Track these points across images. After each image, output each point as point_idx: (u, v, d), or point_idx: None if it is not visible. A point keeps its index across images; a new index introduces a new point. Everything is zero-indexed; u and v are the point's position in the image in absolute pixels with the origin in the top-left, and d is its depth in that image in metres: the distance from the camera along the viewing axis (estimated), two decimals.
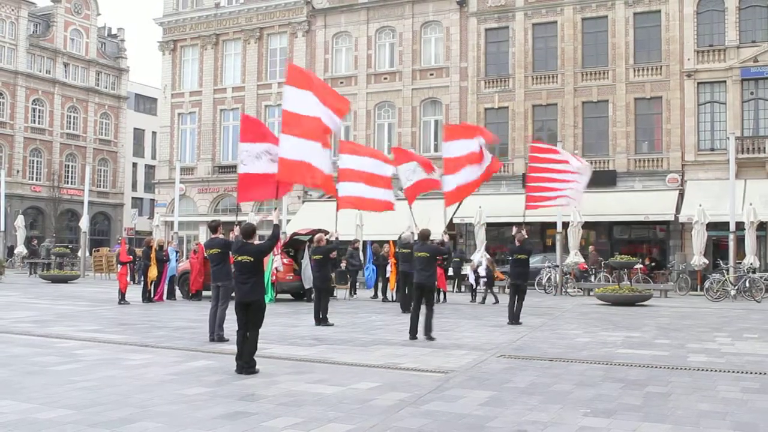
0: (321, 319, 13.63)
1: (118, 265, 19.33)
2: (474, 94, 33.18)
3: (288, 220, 30.35)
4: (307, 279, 18.25)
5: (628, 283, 21.80)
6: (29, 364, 8.81)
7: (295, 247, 20.78)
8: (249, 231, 8.84)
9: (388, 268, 20.68)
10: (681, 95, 29.96)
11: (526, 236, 15.32)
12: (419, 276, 11.95)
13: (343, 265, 22.49)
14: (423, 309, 11.79)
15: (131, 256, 20.39)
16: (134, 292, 19.64)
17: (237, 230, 10.14)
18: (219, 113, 38.79)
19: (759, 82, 28.95)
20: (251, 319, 8.52)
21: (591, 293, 21.96)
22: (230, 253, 9.93)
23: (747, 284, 21.38)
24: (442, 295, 20.08)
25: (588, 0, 31.58)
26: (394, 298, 19.80)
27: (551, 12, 32.24)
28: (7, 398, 6.83)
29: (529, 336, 12.27)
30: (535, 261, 25.37)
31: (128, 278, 19.12)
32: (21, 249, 35.10)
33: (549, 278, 24.55)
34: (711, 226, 25.12)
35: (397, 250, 19.00)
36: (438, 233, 14.16)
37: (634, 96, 30.73)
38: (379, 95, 35.15)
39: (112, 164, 55.04)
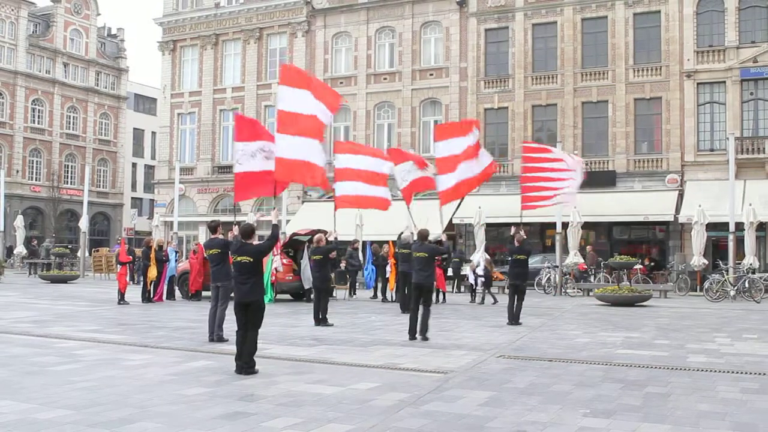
0: (320, 320, 13.63)
1: (118, 266, 19.32)
2: (474, 95, 33.18)
3: (287, 221, 30.35)
4: (307, 279, 18.26)
5: (628, 283, 21.79)
6: (29, 364, 8.81)
7: (294, 247, 20.78)
8: (248, 231, 8.84)
9: (388, 268, 20.67)
10: (681, 96, 29.97)
11: (525, 236, 15.32)
12: (418, 276, 11.96)
13: (342, 265, 22.50)
14: (421, 309, 11.80)
15: (131, 257, 20.38)
16: (134, 293, 19.64)
17: (236, 230, 10.14)
18: (218, 113, 38.79)
19: (758, 82, 28.96)
20: (250, 320, 8.52)
21: (590, 294, 21.96)
22: (229, 253, 9.92)
23: (746, 285, 21.38)
24: (441, 296, 20.08)
25: (588, 0, 31.59)
26: (394, 299, 19.79)
27: (551, 12, 32.25)
28: (6, 398, 6.83)
29: (529, 336, 12.27)
30: (534, 261, 25.38)
31: (127, 278, 19.11)
32: (20, 249, 35.10)
33: (548, 278, 24.55)
34: (710, 226, 25.13)
35: (396, 250, 19.00)
36: (436, 233, 14.15)
37: (634, 96, 30.74)
38: (378, 95, 35.15)
39: (112, 164, 55.03)
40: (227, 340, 10.72)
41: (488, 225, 26.69)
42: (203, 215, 37.36)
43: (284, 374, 8.35)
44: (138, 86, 61.11)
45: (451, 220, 30.35)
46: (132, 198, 58.42)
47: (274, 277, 19.00)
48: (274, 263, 18.67)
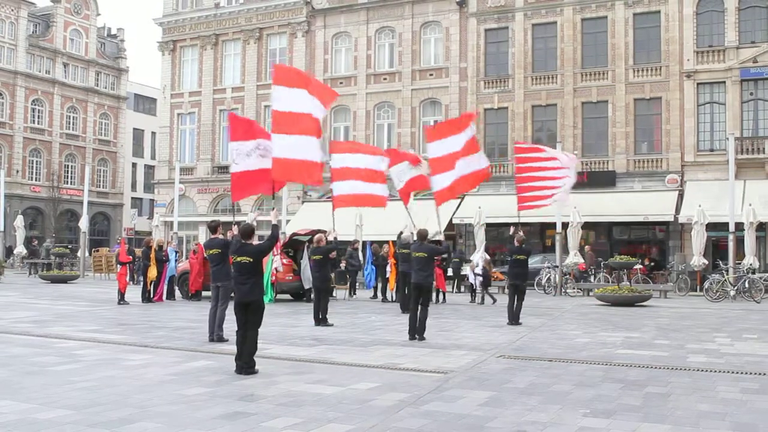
0: (320, 320, 13.63)
1: (118, 266, 19.32)
2: (473, 95, 33.19)
3: (287, 221, 30.35)
4: (307, 279, 18.27)
5: (628, 283, 21.80)
6: (29, 364, 8.81)
7: (294, 247, 20.78)
8: (248, 231, 8.84)
9: (388, 268, 20.68)
10: (680, 96, 29.97)
11: (524, 236, 15.33)
12: (417, 276, 11.97)
13: (342, 265, 22.50)
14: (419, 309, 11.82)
15: (131, 257, 20.38)
16: (134, 293, 19.64)
17: (235, 230, 10.14)
18: (218, 113, 38.78)
19: (758, 82, 28.96)
20: (250, 320, 8.52)
21: (590, 294, 21.97)
22: (229, 253, 9.91)
23: (746, 285, 21.38)
24: (441, 296, 20.10)
25: (588, 0, 31.59)
26: (394, 299, 19.80)
27: (551, 12, 32.25)
28: (6, 398, 6.83)
29: (529, 336, 12.27)
30: (534, 261, 25.39)
31: (127, 278, 19.11)
32: (20, 249, 35.10)
33: (548, 279, 24.55)
34: (710, 226, 25.14)
35: (396, 250, 19.00)
36: (434, 231, 14.07)
37: (634, 96, 30.74)
38: (378, 95, 35.15)
39: (112, 164, 55.03)
40: (227, 340, 10.72)
41: (488, 225, 26.70)
42: (203, 215, 37.36)
43: (284, 374, 8.35)
44: (138, 86, 61.11)
45: (451, 220, 30.36)
46: (132, 198, 58.42)
47: (274, 277, 19.01)
48: (274, 263, 18.69)
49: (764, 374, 8.66)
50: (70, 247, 37.09)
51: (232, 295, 8.98)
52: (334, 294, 19.64)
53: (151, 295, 18.95)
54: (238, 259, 8.60)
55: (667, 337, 12.20)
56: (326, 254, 14.18)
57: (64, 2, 51.61)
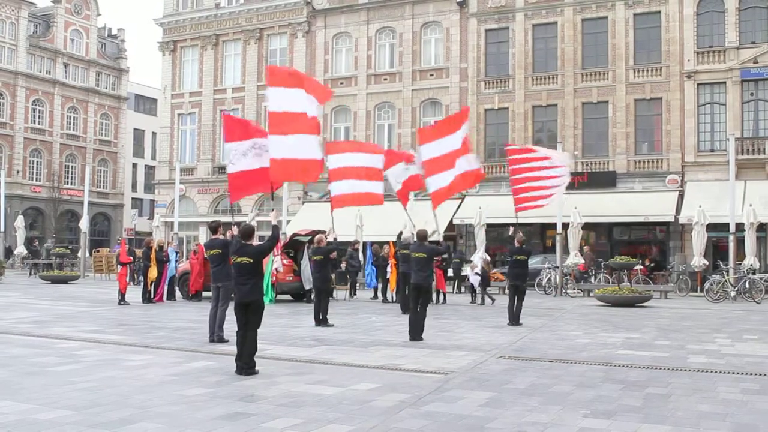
0: (321, 320, 13.63)
1: (118, 266, 19.32)
2: (474, 95, 33.18)
3: (288, 221, 30.36)
4: (307, 280, 18.27)
5: (628, 284, 21.80)
6: (29, 364, 8.81)
7: (294, 247, 20.79)
8: (248, 232, 8.85)
9: (388, 269, 20.67)
10: (681, 96, 29.97)
11: (524, 237, 15.33)
12: (416, 277, 11.99)
13: (343, 266, 22.49)
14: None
15: (131, 257, 20.38)
16: (134, 293, 19.65)
17: (235, 230, 10.14)
18: (219, 114, 38.75)
19: (759, 83, 28.96)
20: (250, 320, 8.52)
21: (591, 294, 21.97)
22: (229, 254, 9.91)
23: (747, 285, 21.37)
24: (441, 296, 20.10)
25: (588, 1, 31.59)
26: (394, 299, 19.79)
27: (551, 13, 32.25)
28: (6, 399, 6.83)
29: (529, 337, 12.27)
30: (535, 262, 25.40)
31: (127, 279, 19.11)
32: (21, 250, 35.10)
33: (549, 279, 24.55)
34: (711, 227, 25.14)
35: (397, 250, 18.99)
36: (433, 233, 14.01)
37: (634, 97, 30.74)
38: (379, 96, 35.15)
39: (112, 165, 55.05)
40: (228, 341, 10.72)
41: (489, 225, 26.70)
42: (204, 216, 37.36)
43: (285, 375, 8.35)
44: (138, 87, 61.13)
45: (451, 220, 30.37)
46: (132, 198, 58.42)
47: (274, 278, 19.02)
48: (275, 264, 18.71)
49: (765, 375, 8.65)
50: (70, 247, 37.09)
51: (233, 295, 8.98)
52: (334, 295, 19.64)
53: (152, 296, 18.95)
54: (238, 259, 8.60)
55: (668, 338, 12.20)
56: (327, 255, 14.17)
57: (65, 2, 51.64)
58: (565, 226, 25.05)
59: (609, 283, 23.11)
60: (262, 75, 37.57)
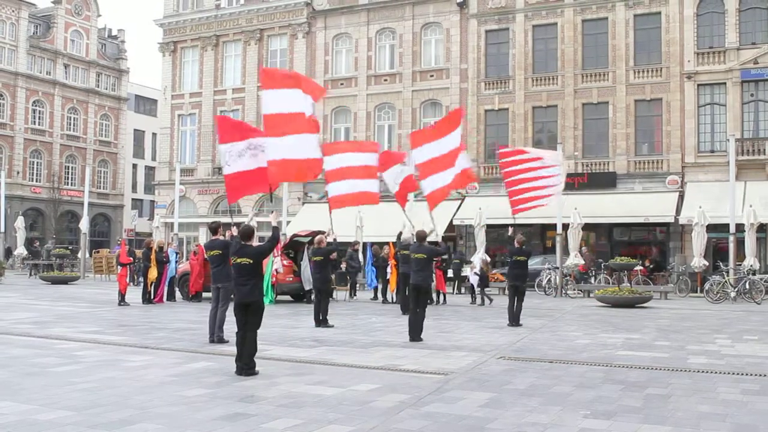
0: (321, 321, 13.64)
1: (118, 267, 19.33)
2: (474, 96, 33.19)
3: (288, 222, 30.36)
4: (307, 280, 18.27)
5: (628, 284, 21.81)
6: (29, 365, 8.82)
7: (294, 248, 20.79)
8: (247, 233, 8.85)
9: (388, 269, 20.67)
10: (681, 97, 29.97)
11: (524, 238, 15.34)
12: (415, 277, 11.99)
13: (343, 266, 22.50)
14: None
15: (131, 258, 20.38)
16: (134, 294, 19.65)
17: (234, 230, 10.14)
18: (219, 114, 38.76)
19: (759, 83, 28.96)
20: (250, 321, 8.53)
21: (591, 295, 21.97)
22: (229, 255, 9.90)
23: (747, 286, 21.37)
24: (441, 297, 20.10)
25: (588, 2, 31.60)
26: (394, 300, 19.79)
27: (551, 14, 32.26)
28: (6, 399, 6.84)
29: (529, 338, 12.27)
30: (535, 263, 25.40)
31: (127, 280, 19.11)
32: (21, 250, 35.10)
33: (549, 280, 24.55)
34: (711, 227, 25.12)
35: (397, 251, 18.99)
36: (430, 232, 13.97)
37: (634, 98, 30.75)
38: (379, 97, 35.16)
39: (112, 165, 55.04)
40: (228, 342, 10.72)
41: (489, 226, 26.69)
42: (204, 216, 37.37)
43: (285, 375, 8.35)
44: (138, 87, 61.12)
45: (451, 221, 30.37)
46: (132, 199, 58.41)
47: (274, 279, 19.03)
48: (275, 264, 18.72)
49: (765, 375, 8.65)
50: (70, 248, 37.11)
51: (233, 296, 8.99)
52: (334, 295, 19.65)
53: (152, 297, 18.95)
54: (238, 260, 8.61)
55: (668, 339, 12.20)
56: (327, 255, 14.18)
57: (65, 3, 51.64)
58: (565, 226, 25.04)
59: (609, 283, 23.11)
60: None
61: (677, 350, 10.81)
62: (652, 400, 7.21)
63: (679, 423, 6.28)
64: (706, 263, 24.89)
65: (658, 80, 30.42)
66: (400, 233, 19.14)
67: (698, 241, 24.35)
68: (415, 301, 11.93)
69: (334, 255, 15.32)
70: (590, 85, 31.44)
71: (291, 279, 19.86)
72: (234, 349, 8.68)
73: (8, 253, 37.90)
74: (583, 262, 25.32)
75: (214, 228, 11.95)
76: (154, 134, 55.05)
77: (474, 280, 20.72)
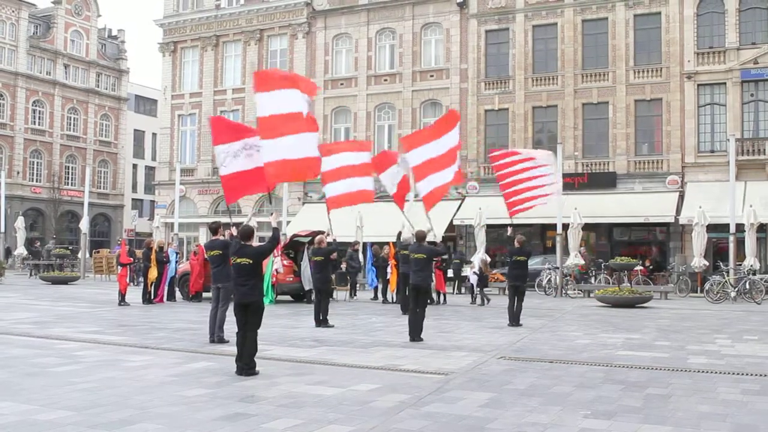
0: (321, 321, 13.64)
1: (118, 267, 19.33)
2: (474, 96, 33.19)
3: (288, 222, 30.36)
4: (307, 280, 18.27)
5: (628, 284, 21.81)
6: (29, 365, 8.82)
7: (295, 248, 20.79)
8: (247, 233, 8.85)
9: (388, 269, 20.67)
10: (681, 97, 29.97)
11: (524, 238, 15.34)
12: (415, 277, 12.00)
13: (343, 266, 22.50)
14: None
15: (131, 258, 20.39)
16: (134, 294, 19.65)
17: (234, 230, 10.13)
18: (219, 114, 38.73)
19: (759, 83, 28.96)
20: (250, 321, 8.53)
21: (591, 295, 21.98)
22: (228, 255, 9.90)
23: (747, 286, 21.37)
24: (442, 297, 20.10)
25: (588, 2, 31.60)
26: (395, 300, 19.79)
27: (551, 14, 32.26)
28: (6, 399, 6.84)
29: (529, 338, 12.27)
30: (535, 263, 25.40)
31: (127, 280, 19.11)
32: (21, 251, 35.10)
33: (549, 280, 24.55)
34: (711, 227, 25.12)
35: (397, 251, 18.99)
36: (428, 231, 13.96)
37: (635, 98, 30.75)
38: (379, 97, 35.16)
39: (113, 165, 55.04)
40: (228, 342, 10.72)
41: (489, 226, 26.69)
42: (204, 216, 37.37)
43: (285, 375, 8.35)
44: (138, 87, 61.11)
45: (451, 221, 30.37)
46: (132, 199, 58.40)
47: (274, 279, 19.03)
48: (275, 265, 18.73)
49: (765, 375, 8.65)
50: (70, 248, 37.12)
51: (233, 296, 8.99)
52: (334, 295, 19.65)
53: (152, 297, 18.96)
54: (238, 260, 8.61)
55: (668, 339, 12.20)
56: (327, 256, 14.18)
57: (65, 3, 51.63)
58: (565, 226, 25.04)
59: (609, 283, 23.12)
60: None
61: (677, 350, 10.81)
62: (653, 400, 7.21)
63: (680, 423, 6.28)
64: (706, 263, 24.88)
65: (658, 80, 30.42)
66: (400, 233, 19.14)
67: (698, 241, 24.34)
68: (414, 301, 11.93)
69: (335, 255, 15.32)
70: (590, 85, 31.44)
71: (291, 279, 19.86)
72: (234, 349, 8.68)
73: (8, 253, 37.92)
74: (583, 262, 25.33)
75: (214, 228, 11.95)
76: (154, 134, 55.04)
77: (473, 279, 20.72)
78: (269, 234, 9.05)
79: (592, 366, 9.33)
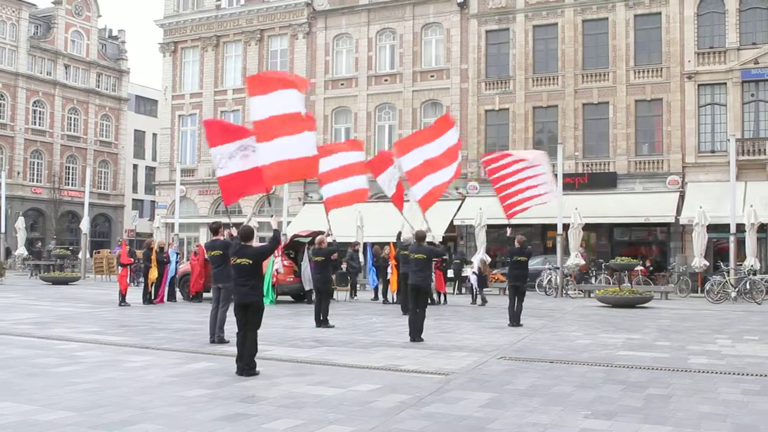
0: (321, 321, 13.64)
1: (119, 267, 19.33)
2: (474, 96, 33.19)
3: (288, 222, 30.36)
4: (307, 281, 18.27)
5: (629, 285, 21.80)
6: (30, 365, 8.82)
7: (295, 249, 20.79)
8: (247, 233, 8.85)
9: (389, 269, 20.67)
10: (681, 97, 29.97)
11: (525, 238, 15.34)
12: (414, 277, 12.00)
13: (343, 267, 22.49)
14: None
15: (132, 258, 20.40)
16: (135, 294, 19.65)
17: (234, 231, 10.13)
18: (219, 115, 38.72)
19: (759, 84, 28.95)
20: (250, 321, 8.53)
21: (591, 295, 21.98)
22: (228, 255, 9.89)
23: (747, 286, 21.37)
24: (442, 297, 20.10)
25: (588, 2, 31.60)
26: (395, 300, 19.79)
27: (552, 14, 32.26)
28: (7, 400, 6.84)
29: (530, 338, 12.27)
30: (535, 263, 25.39)
31: (128, 280, 19.12)
32: (21, 251, 35.11)
33: (549, 280, 24.55)
34: (711, 228, 25.11)
35: (397, 251, 18.99)
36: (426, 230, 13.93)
37: (635, 98, 30.75)
38: (379, 97, 35.16)
39: (113, 166, 55.07)
40: (228, 342, 10.73)
41: (489, 226, 26.65)
42: (204, 217, 37.38)
43: (285, 376, 8.35)
44: (139, 88, 61.13)
45: (452, 221, 30.36)
46: (133, 199, 58.43)
47: (275, 279, 19.03)
48: (276, 265, 18.73)
49: (765, 376, 8.65)
50: (71, 248, 37.13)
51: (233, 296, 8.99)
52: (334, 296, 19.65)
53: (152, 297, 18.96)
54: (238, 261, 8.61)
55: (668, 339, 12.20)
56: (328, 256, 14.19)
57: (65, 4, 51.66)
58: (566, 227, 25.03)
59: (610, 284, 23.11)
60: None
61: (678, 350, 10.81)
62: (653, 400, 7.21)
63: (680, 423, 6.28)
64: (707, 263, 24.88)
65: (659, 80, 30.41)
66: (400, 233, 19.13)
67: (699, 241, 24.34)
68: (414, 301, 11.93)
69: (335, 255, 15.32)
70: (590, 86, 31.44)
71: (291, 279, 19.87)
72: (234, 350, 8.69)
73: (8, 253, 37.93)
74: (583, 262, 25.32)
75: (214, 228, 11.95)
76: (154, 135, 55.04)
77: (473, 280, 20.72)
78: (270, 234, 9.05)
79: (593, 366, 9.33)
